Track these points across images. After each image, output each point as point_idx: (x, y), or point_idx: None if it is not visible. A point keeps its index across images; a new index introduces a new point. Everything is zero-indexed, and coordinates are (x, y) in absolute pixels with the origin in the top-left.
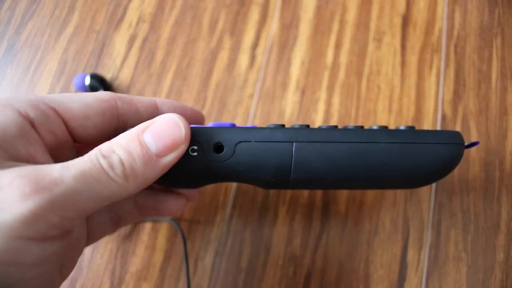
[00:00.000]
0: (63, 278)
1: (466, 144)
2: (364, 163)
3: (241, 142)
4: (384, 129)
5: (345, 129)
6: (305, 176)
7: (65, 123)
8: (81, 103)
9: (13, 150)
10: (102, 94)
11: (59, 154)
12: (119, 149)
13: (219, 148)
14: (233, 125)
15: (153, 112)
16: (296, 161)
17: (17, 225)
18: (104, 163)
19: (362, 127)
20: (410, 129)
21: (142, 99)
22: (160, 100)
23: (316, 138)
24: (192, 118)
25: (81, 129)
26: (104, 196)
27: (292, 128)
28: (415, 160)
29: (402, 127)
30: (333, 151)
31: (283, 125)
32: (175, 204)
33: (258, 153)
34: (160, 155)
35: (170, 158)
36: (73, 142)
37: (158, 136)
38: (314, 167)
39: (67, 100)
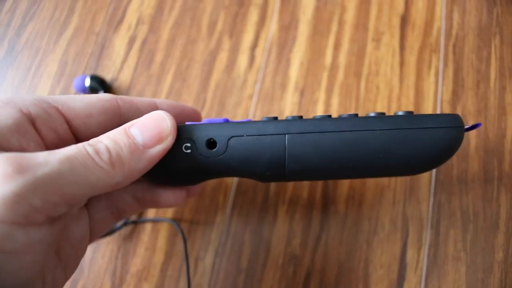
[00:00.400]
0: (67, 277)
1: (466, 127)
2: (359, 151)
3: (233, 137)
4: (379, 115)
5: (338, 117)
6: (301, 167)
7: (68, 122)
8: (83, 102)
9: (4, 141)
10: (103, 95)
11: None
12: (105, 139)
13: (212, 144)
14: (227, 121)
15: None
16: (289, 153)
17: None
18: (90, 149)
19: (356, 114)
20: (407, 114)
21: (142, 99)
22: (159, 100)
23: (308, 129)
24: (190, 117)
25: (84, 128)
26: (89, 181)
27: (284, 120)
28: (412, 147)
29: (400, 112)
30: (326, 141)
31: (276, 118)
32: (174, 196)
33: (251, 147)
34: (146, 145)
35: (157, 150)
36: (75, 141)
37: (144, 129)
38: (309, 158)
39: (70, 100)
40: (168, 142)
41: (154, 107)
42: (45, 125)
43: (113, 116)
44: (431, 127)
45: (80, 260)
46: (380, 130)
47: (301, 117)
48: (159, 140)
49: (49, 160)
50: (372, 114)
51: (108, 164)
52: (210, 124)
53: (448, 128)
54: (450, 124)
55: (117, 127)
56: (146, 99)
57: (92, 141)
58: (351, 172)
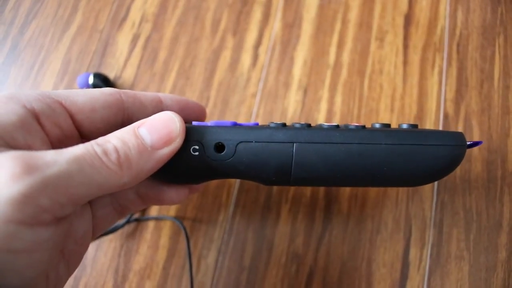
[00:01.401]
0: (70, 273)
1: (468, 143)
2: (364, 164)
3: (242, 142)
4: (385, 129)
5: (346, 129)
6: (306, 175)
7: (72, 116)
8: (87, 96)
9: (10, 138)
10: (106, 89)
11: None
12: (114, 139)
13: (220, 148)
14: (235, 124)
15: (158, 106)
16: (296, 161)
17: (7, 207)
18: (98, 149)
19: (363, 126)
20: (412, 128)
21: (145, 94)
22: (163, 94)
23: (316, 139)
24: (194, 111)
25: (88, 122)
26: (97, 182)
27: (293, 128)
28: (415, 162)
29: (404, 125)
30: (333, 152)
31: (284, 124)
32: (177, 193)
33: (258, 153)
34: (155, 147)
35: (166, 151)
36: (79, 137)
37: (153, 130)
38: (315, 167)
39: (73, 94)
40: (177, 143)
41: (158, 102)
42: (49, 121)
43: (116, 111)
44: (435, 144)
45: (82, 256)
46: (385, 144)
47: (309, 125)
48: (168, 142)
49: (57, 160)
50: (377, 126)
51: (116, 165)
52: (219, 127)
53: (451, 146)
54: (453, 142)
55: (121, 121)
56: (149, 94)
57: (100, 140)
58: (355, 182)
